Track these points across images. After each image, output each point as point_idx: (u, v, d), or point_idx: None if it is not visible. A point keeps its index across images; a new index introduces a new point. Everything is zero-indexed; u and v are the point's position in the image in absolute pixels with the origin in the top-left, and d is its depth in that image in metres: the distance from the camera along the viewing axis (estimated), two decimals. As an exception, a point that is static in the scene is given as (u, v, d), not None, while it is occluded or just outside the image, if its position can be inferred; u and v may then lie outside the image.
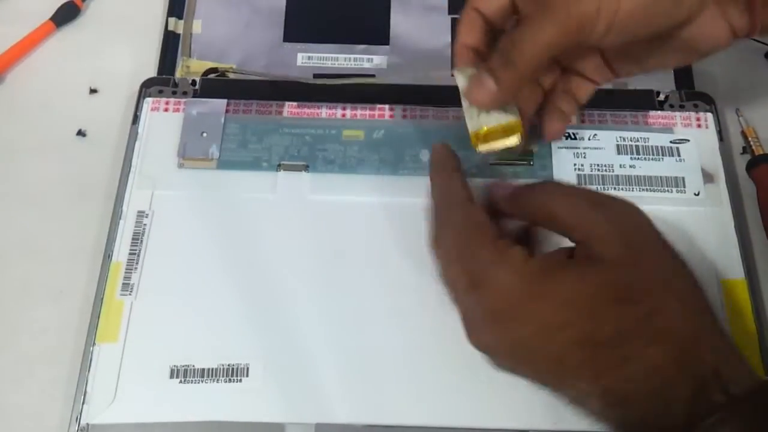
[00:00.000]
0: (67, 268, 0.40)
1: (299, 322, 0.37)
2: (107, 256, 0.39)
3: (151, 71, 0.46)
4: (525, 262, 0.30)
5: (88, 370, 0.36)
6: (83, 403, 0.35)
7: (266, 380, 0.36)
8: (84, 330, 0.37)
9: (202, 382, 0.36)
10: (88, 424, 0.35)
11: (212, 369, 0.36)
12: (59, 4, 0.48)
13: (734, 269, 0.39)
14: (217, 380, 0.36)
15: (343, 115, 0.43)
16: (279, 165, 0.41)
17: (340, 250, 0.39)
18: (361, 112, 0.43)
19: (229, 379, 0.36)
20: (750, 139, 0.44)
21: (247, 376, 0.36)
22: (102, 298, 0.38)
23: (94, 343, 0.36)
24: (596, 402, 0.29)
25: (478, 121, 0.35)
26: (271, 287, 0.38)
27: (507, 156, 0.41)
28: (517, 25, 0.35)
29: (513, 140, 0.35)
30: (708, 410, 0.27)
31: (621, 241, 0.30)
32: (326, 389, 0.36)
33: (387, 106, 0.43)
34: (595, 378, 0.29)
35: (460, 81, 0.35)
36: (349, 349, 0.37)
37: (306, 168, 0.41)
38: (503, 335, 0.31)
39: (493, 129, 0.35)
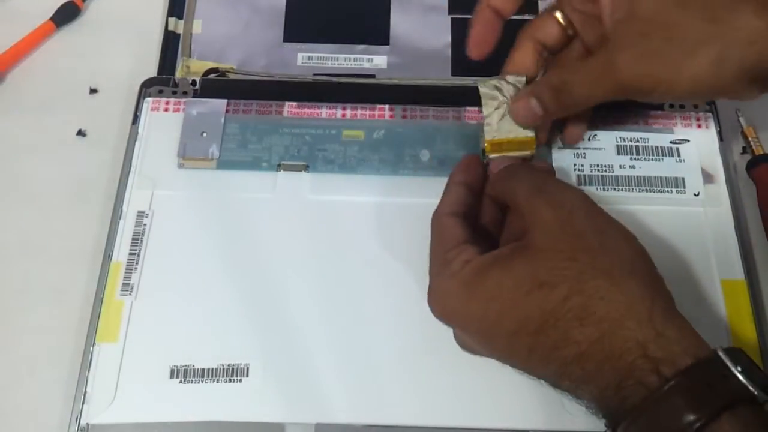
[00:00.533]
0: (67, 268, 0.40)
1: (299, 322, 0.37)
2: (107, 256, 0.39)
3: (152, 71, 0.46)
4: (462, 267, 0.31)
5: (88, 370, 0.36)
6: (83, 403, 0.35)
7: (266, 380, 0.36)
8: (84, 330, 0.37)
9: (202, 382, 0.36)
10: (88, 424, 0.35)
11: (212, 369, 0.36)
12: (59, 4, 0.48)
13: (734, 269, 0.39)
14: (217, 380, 0.36)
15: (343, 115, 0.43)
16: (279, 165, 0.41)
17: (340, 250, 0.39)
18: (361, 112, 0.43)
19: (229, 379, 0.36)
20: (750, 138, 0.44)
21: (247, 376, 0.36)
22: (102, 298, 0.38)
23: (94, 343, 0.36)
24: (562, 385, 0.29)
25: (496, 131, 0.37)
26: (271, 287, 0.38)
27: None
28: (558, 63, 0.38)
29: (526, 154, 0.37)
30: (639, 395, 0.27)
31: (552, 227, 0.30)
32: (326, 389, 0.36)
33: (387, 106, 0.43)
34: (544, 364, 0.29)
35: (484, 90, 0.37)
36: (349, 349, 0.37)
37: (306, 168, 0.41)
38: (460, 337, 0.33)
39: (508, 140, 0.37)
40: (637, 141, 0.42)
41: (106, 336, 0.37)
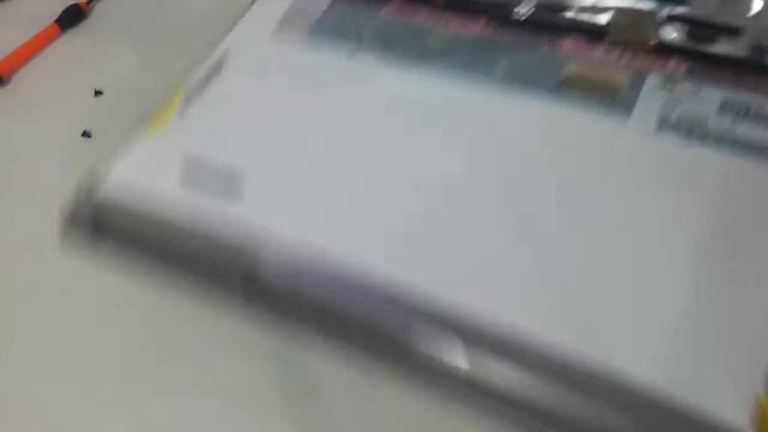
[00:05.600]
0: (68, 269, 0.36)
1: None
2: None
3: (157, 73, 0.42)
4: None
5: None
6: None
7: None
8: (83, 331, 0.34)
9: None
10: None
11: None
12: (64, 8, 0.48)
13: None
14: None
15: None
16: (368, 56, 0.37)
17: (411, 147, 0.34)
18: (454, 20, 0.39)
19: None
20: None
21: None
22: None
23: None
24: None
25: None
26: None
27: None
28: None
29: None
30: None
31: None
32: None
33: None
34: None
35: None
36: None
37: (391, 64, 0.37)
38: None
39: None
40: (749, 105, 0.33)
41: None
